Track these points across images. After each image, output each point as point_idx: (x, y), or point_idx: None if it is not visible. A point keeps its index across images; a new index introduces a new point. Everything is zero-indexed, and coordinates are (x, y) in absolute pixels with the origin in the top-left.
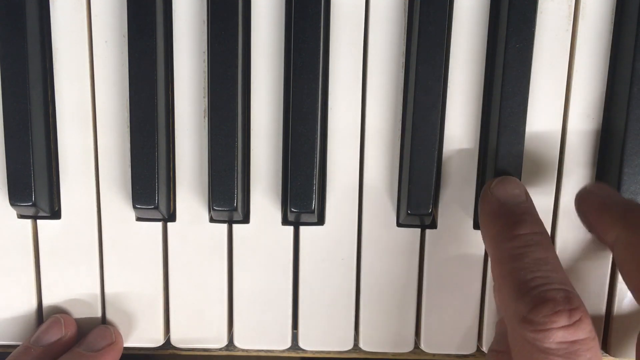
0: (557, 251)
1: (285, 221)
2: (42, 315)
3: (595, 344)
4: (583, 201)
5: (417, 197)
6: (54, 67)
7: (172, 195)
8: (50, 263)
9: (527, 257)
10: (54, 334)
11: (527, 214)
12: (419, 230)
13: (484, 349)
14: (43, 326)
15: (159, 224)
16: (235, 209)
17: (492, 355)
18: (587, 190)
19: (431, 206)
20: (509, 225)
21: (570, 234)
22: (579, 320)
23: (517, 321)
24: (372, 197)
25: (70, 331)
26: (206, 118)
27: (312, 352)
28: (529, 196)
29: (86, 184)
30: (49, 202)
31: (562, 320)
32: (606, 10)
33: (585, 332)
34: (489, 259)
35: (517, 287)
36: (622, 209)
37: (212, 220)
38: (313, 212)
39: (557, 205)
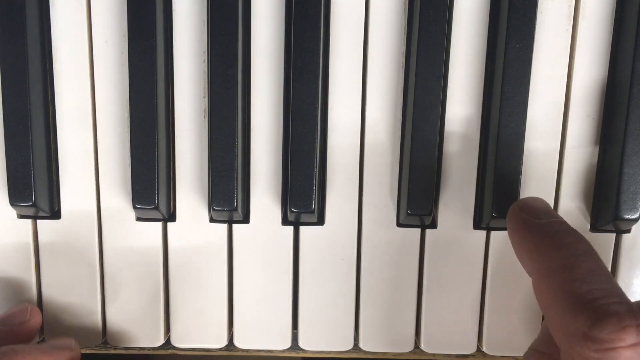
0: None
1: (285, 221)
2: (42, 316)
3: None
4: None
5: (417, 197)
6: (54, 67)
7: (172, 195)
8: (50, 263)
9: (579, 267)
10: (18, 317)
11: (567, 227)
12: (419, 230)
13: (484, 349)
14: (10, 310)
15: (159, 224)
16: (235, 209)
17: (533, 354)
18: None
19: (431, 206)
20: (552, 235)
21: None
22: None
23: (577, 339)
24: (372, 197)
25: (34, 319)
26: (206, 118)
27: (312, 352)
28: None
29: (86, 184)
30: (49, 202)
31: (630, 338)
32: (606, 10)
33: None
34: (491, 261)
35: (572, 300)
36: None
37: (212, 220)
38: (313, 212)
39: (557, 206)
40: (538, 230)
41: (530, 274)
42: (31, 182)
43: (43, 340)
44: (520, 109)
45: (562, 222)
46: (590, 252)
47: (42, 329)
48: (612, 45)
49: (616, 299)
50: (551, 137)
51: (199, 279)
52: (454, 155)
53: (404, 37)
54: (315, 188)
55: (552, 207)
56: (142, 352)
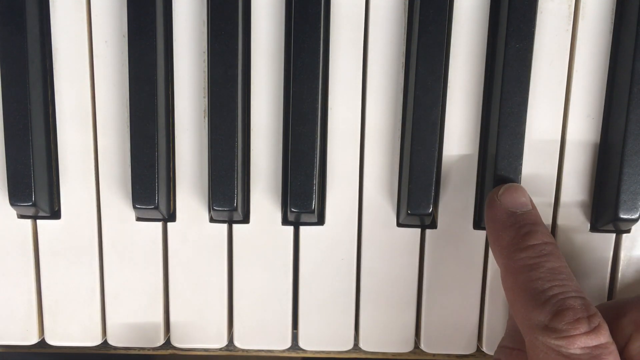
0: None
1: (285, 221)
2: (42, 315)
3: (615, 348)
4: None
5: (417, 197)
6: (54, 67)
7: (172, 195)
8: (50, 263)
9: (542, 267)
10: None
11: (536, 224)
12: (419, 230)
13: (484, 349)
14: None
15: (159, 224)
16: (235, 209)
17: (503, 352)
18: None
19: (431, 206)
20: (521, 236)
21: (570, 234)
22: (598, 325)
23: (539, 330)
24: (372, 197)
25: None
26: (206, 118)
27: (312, 352)
28: (534, 204)
29: (86, 184)
30: (49, 202)
31: (583, 327)
32: (606, 10)
33: (605, 336)
34: (491, 261)
35: (534, 297)
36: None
37: (212, 220)
38: (313, 212)
39: (557, 206)
40: (510, 229)
41: (499, 267)
42: (31, 182)
43: (43, 341)
44: (520, 109)
45: (533, 219)
46: (553, 253)
47: (42, 329)
48: (612, 45)
49: (572, 294)
50: (551, 137)
51: (199, 279)
52: (454, 155)
53: (404, 37)
54: (315, 188)
55: (547, 204)
56: (142, 352)
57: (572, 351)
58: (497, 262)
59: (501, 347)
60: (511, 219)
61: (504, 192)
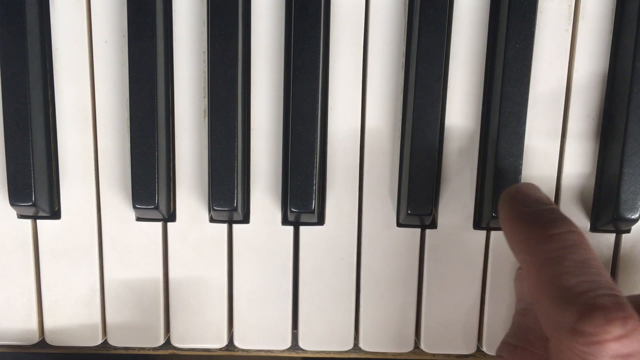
0: None
1: (285, 221)
2: (42, 315)
3: None
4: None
5: (417, 197)
6: (54, 67)
7: (172, 195)
8: (50, 263)
9: (568, 260)
10: None
11: (557, 213)
12: (419, 230)
13: (484, 349)
14: None
15: (159, 224)
16: (235, 209)
17: (506, 348)
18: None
19: (431, 206)
20: (541, 226)
21: None
22: (633, 329)
23: (565, 332)
24: (372, 197)
25: None
26: (206, 118)
27: (312, 352)
28: (551, 201)
29: (86, 184)
30: (49, 202)
31: (616, 330)
32: (606, 10)
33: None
34: (491, 261)
35: (560, 293)
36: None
37: (212, 220)
38: (313, 212)
39: (557, 205)
40: (527, 220)
41: (520, 264)
42: (31, 182)
43: (43, 341)
44: (520, 109)
45: (553, 210)
46: (580, 243)
47: (42, 329)
48: (612, 45)
49: (604, 291)
50: (551, 137)
51: (199, 279)
52: (454, 155)
53: (404, 37)
54: (315, 188)
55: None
56: (142, 352)
57: (600, 359)
58: (518, 260)
59: (504, 343)
60: (529, 211)
61: (517, 188)
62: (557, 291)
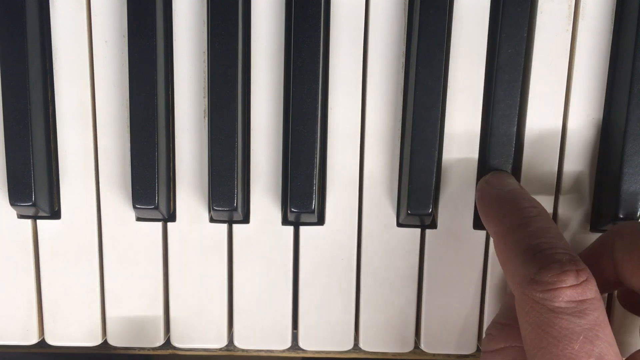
0: None
1: (285, 221)
2: (42, 315)
3: (602, 305)
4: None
5: (417, 197)
6: (54, 67)
7: (172, 195)
8: (50, 263)
9: (531, 226)
10: None
11: (524, 194)
12: (419, 230)
13: None
14: None
15: (159, 224)
16: (235, 209)
17: (495, 327)
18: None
19: (431, 206)
20: (509, 202)
21: (570, 234)
22: (586, 280)
23: (526, 284)
24: (372, 197)
25: None
26: (206, 118)
27: (312, 352)
28: (521, 187)
29: (86, 184)
30: (49, 202)
31: (570, 280)
32: (606, 10)
33: (592, 292)
34: (491, 261)
35: (523, 252)
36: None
37: (212, 220)
38: (313, 212)
39: (557, 206)
40: (500, 198)
41: (492, 237)
42: (31, 182)
43: (43, 341)
44: (511, 112)
45: (521, 191)
46: (542, 214)
47: (42, 329)
48: (612, 45)
49: (561, 250)
50: (551, 136)
51: (199, 279)
52: (454, 155)
53: (404, 37)
54: (315, 188)
55: (547, 204)
56: (142, 352)
57: (556, 304)
58: (490, 234)
59: (494, 322)
60: (501, 193)
61: (491, 176)
62: (521, 250)
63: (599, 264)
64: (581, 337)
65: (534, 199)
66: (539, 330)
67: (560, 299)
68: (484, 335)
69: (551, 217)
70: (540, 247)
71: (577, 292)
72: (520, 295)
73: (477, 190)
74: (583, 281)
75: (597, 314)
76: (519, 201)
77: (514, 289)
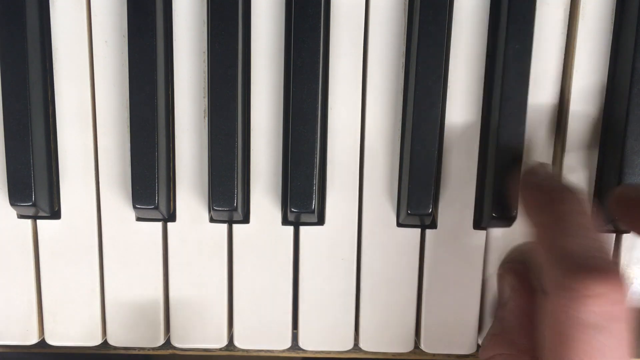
0: None
1: (285, 221)
2: (42, 315)
3: (628, 321)
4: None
5: (417, 197)
6: (54, 67)
7: (172, 195)
8: (50, 263)
9: (569, 222)
10: None
11: (567, 185)
12: (419, 230)
13: None
14: None
15: (159, 224)
16: (235, 209)
17: (487, 338)
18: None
19: (431, 206)
20: (548, 191)
21: None
22: (615, 289)
23: (554, 287)
24: (372, 196)
25: None
26: (206, 118)
27: (312, 352)
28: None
29: (86, 184)
30: (49, 202)
31: (599, 288)
32: (606, 10)
33: (620, 304)
34: (491, 261)
35: (557, 251)
36: None
37: (212, 220)
38: (313, 212)
39: None
40: (544, 186)
41: (533, 227)
42: (31, 182)
43: (43, 341)
44: (520, 110)
45: (566, 183)
46: (581, 210)
47: (42, 329)
48: (612, 45)
49: (594, 253)
50: (551, 136)
51: (199, 278)
52: (454, 155)
53: (404, 37)
54: (315, 188)
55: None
56: (142, 352)
57: (582, 315)
58: (532, 223)
59: (487, 335)
60: (545, 181)
61: (539, 164)
62: (555, 250)
63: None
64: (601, 354)
65: (574, 189)
66: (561, 339)
67: (586, 308)
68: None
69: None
70: (574, 249)
71: (606, 302)
72: (551, 297)
73: (522, 178)
74: (613, 289)
75: (620, 328)
76: (558, 192)
77: (546, 287)
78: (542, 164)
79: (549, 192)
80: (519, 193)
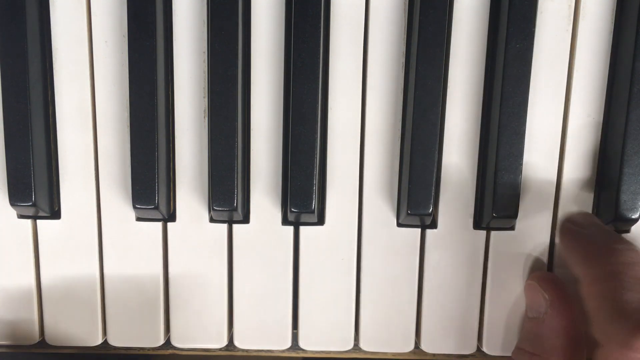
0: (557, 256)
1: (285, 221)
2: (42, 315)
3: None
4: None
5: (417, 197)
6: (54, 67)
7: (172, 195)
8: (50, 263)
9: (627, 275)
10: None
11: (617, 236)
12: (419, 230)
13: (484, 349)
14: None
15: (159, 224)
16: (235, 209)
17: (522, 355)
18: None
19: (431, 206)
20: (605, 241)
21: None
22: None
23: (617, 344)
24: (372, 197)
25: None
26: (206, 118)
27: (312, 352)
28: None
29: (86, 184)
30: (49, 202)
31: None
32: (606, 10)
33: None
34: (491, 261)
35: (618, 306)
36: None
37: (212, 220)
38: (313, 212)
39: (557, 206)
40: (591, 237)
41: (580, 280)
42: (31, 182)
43: (43, 341)
44: (521, 110)
45: (614, 233)
46: (638, 261)
47: (42, 329)
48: (612, 45)
49: None
50: (551, 136)
51: (199, 279)
52: (454, 155)
53: (404, 37)
54: (315, 188)
55: (547, 204)
56: (142, 352)
57: None
58: (578, 276)
59: (519, 349)
60: (592, 229)
61: (578, 213)
62: (614, 304)
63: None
64: None
65: (629, 241)
66: None
67: None
68: (484, 338)
69: None
70: (636, 304)
71: None
72: (608, 352)
73: (560, 231)
74: None
75: None
76: (616, 240)
77: (602, 340)
78: (585, 213)
79: (602, 243)
80: (561, 241)
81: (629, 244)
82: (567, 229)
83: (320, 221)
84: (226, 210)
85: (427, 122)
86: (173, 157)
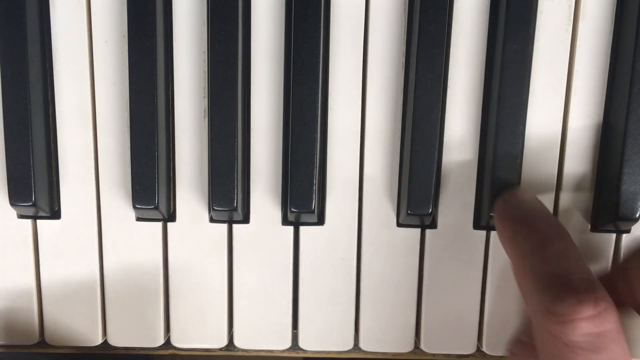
0: None
1: (285, 221)
2: (42, 315)
3: (622, 336)
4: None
5: (417, 197)
6: (54, 67)
7: (172, 195)
8: (50, 263)
9: (547, 249)
10: None
11: (543, 213)
12: (419, 230)
13: (484, 349)
14: None
15: (159, 224)
16: (235, 209)
17: (519, 345)
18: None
19: (431, 206)
20: (526, 223)
21: (570, 234)
22: (604, 310)
23: (541, 314)
24: (372, 197)
25: None
26: (206, 118)
27: (312, 352)
28: (540, 200)
29: (86, 183)
30: (49, 202)
31: (587, 310)
32: (606, 10)
33: (611, 322)
34: (491, 261)
35: (539, 279)
36: None
37: (212, 220)
38: (313, 212)
39: (557, 206)
40: (514, 218)
41: (510, 259)
42: (31, 182)
43: (43, 341)
44: (519, 111)
45: (541, 210)
46: (560, 235)
47: (41, 329)
48: (612, 45)
49: (578, 275)
50: (551, 136)
51: (199, 279)
52: (454, 155)
53: (404, 37)
54: (315, 188)
55: (547, 204)
56: (142, 352)
57: (572, 338)
58: (508, 256)
59: (517, 340)
60: (517, 211)
61: (511, 192)
62: (538, 277)
63: (615, 288)
64: None
65: (554, 217)
66: None
67: (576, 332)
68: (484, 338)
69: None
70: (556, 273)
71: (595, 324)
72: (537, 324)
73: (495, 211)
74: (601, 311)
75: (616, 346)
76: (536, 221)
77: (531, 316)
78: (513, 191)
79: (526, 223)
80: (495, 224)
81: (549, 222)
82: (499, 208)
83: (320, 221)
84: (226, 210)
85: (427, 122)
86: (173, 157)
